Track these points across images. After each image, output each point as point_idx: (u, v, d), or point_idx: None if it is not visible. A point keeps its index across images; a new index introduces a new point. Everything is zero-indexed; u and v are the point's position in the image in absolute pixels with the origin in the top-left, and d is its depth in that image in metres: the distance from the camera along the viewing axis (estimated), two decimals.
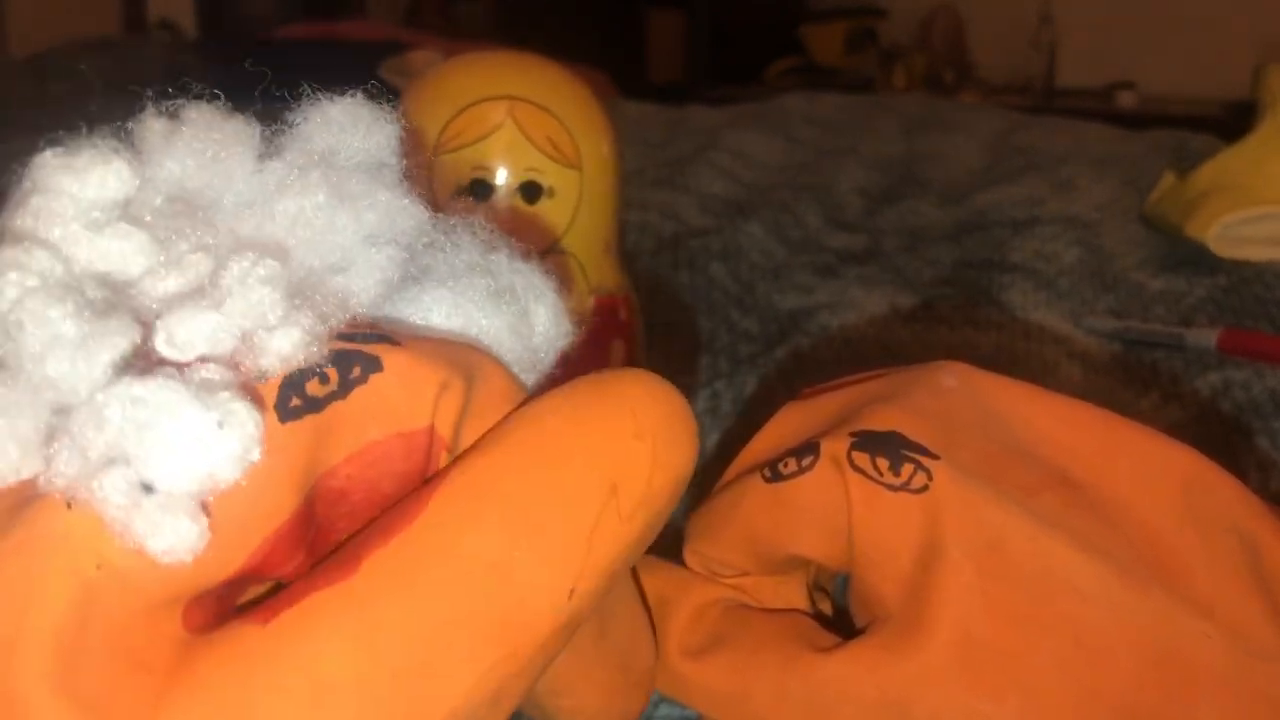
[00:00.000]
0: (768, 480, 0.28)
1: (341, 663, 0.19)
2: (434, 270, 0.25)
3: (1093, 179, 0.91)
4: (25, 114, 1.20)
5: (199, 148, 0.23)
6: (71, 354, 0.19)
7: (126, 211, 0.21)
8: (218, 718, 0.18)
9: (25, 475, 0.19)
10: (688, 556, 0.31)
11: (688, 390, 0.55)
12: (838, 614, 0.32)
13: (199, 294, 0.20)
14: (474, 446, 0.22)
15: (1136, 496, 0.26)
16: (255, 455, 0.19)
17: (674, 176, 0.94)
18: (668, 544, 0.32)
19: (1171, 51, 2.48)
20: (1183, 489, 0.26)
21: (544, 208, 0.41)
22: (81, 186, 0.21)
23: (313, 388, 0.21)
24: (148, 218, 0.21)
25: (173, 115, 0.23)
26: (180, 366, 0.20)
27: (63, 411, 0.19)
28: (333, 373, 0.21)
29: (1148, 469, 0.27)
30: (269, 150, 0.24)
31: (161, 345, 0.19)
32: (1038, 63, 2.56)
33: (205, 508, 0.19)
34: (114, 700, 0.18)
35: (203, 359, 0.20)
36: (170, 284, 0.21)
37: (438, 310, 0.24)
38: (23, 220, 0.21)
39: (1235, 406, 0.52)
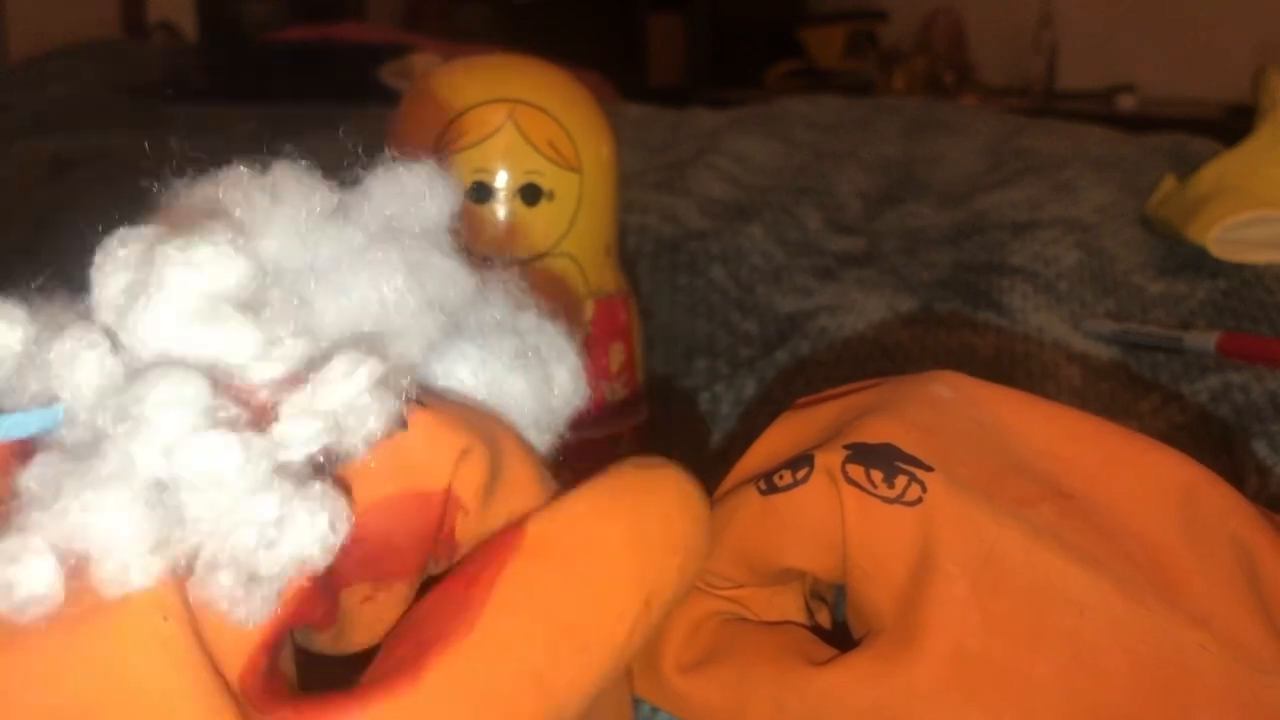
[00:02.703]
0: (762, 492, 0.28)
1: None
2: (464, 325, 0.26)
3: (1093, 182, 0.91)
4: (25, 116, 1.20)
5: (294, 222, 0.24)
6: (221, 489, 0.19)
7: (236, 299, 0.22)
8: None
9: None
10: None
11: (687, 395, 0.55)
12: (837, 626, 0.32)
13: (298, 380, 0.21)
14: (519, 543, 0.23)
15: (1133, 507, 0.26)
16: (342, 540, 0.20)
17: (674, 179, 0.94)
18: None
19: (1172, 54, 2.48)
20: (1180, 500, 0.26)
21: (544, 210, 0.41)
22: (201, 280, 0.21)
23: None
24: (251, 303, 0.22)
25: (270, 186, 0.24)
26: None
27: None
28: None
29: (1145, 480, 0.27)
30: (341, 210, 0.25)
31: (275, 448, 0.20)
32: (1038, 65, 2.56)
33: None
34: None
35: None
36: (272, 370, 0.21)
37: (464, 366, 0.25)
38: (144, 313, 0.21)
39: (1234, 410, 0.52)
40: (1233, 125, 0.88)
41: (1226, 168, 0.77)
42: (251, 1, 2.31)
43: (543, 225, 0.42)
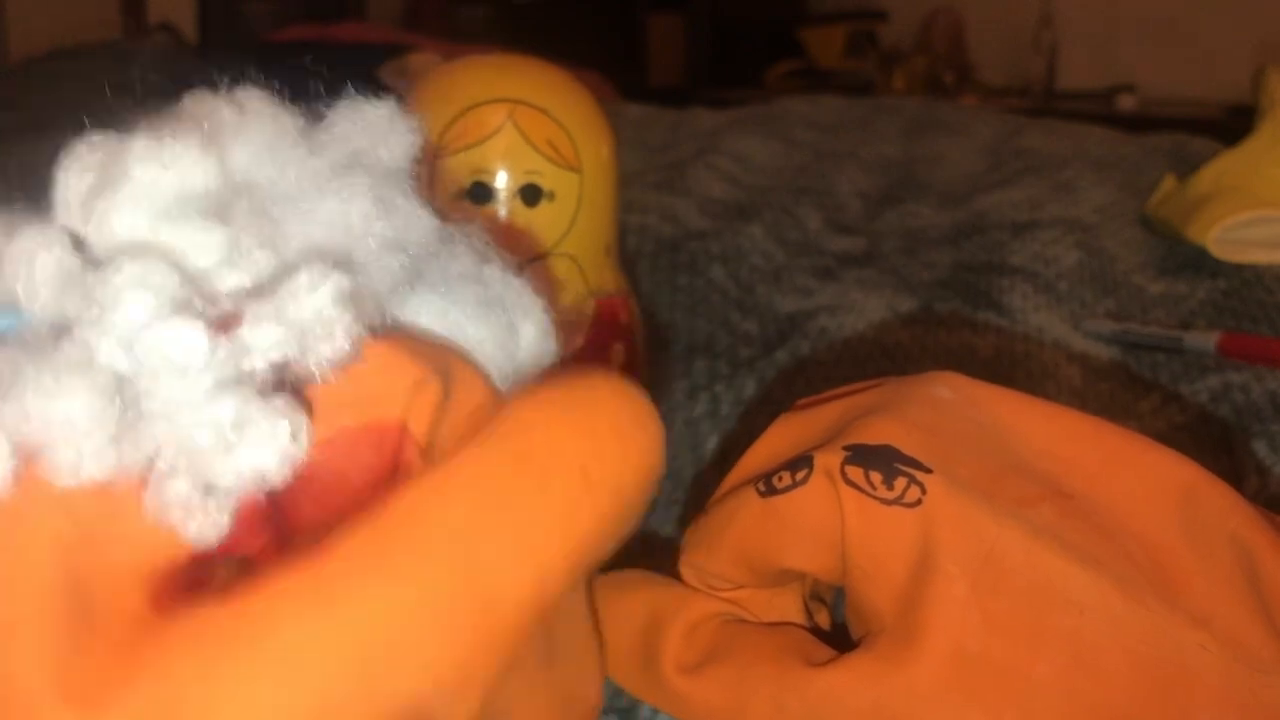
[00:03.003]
0: (762, 494, 0.28)
1: (306, 640, 0.18)
2: (426, 275, 0.25)
3: (1093, 182, 0.91)
4: (25, 117, 1.20)
5: (261, 138, 0.23)
6: (184, 382, 0.19)
7: (203, 202, 0.22)
8: (176, 695, 0.18)
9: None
10: (683, 569, 0.31)
11: (686, 393, 0.55)
12: (836, 627, 0.32)
13: (262, 292, 0.21)
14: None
15: (1133, 508, 0.26)
16: (303, 455, 0.20)
17: (674, 179, 0.94)
18: (663, 557, 0.32)
19: (1172, 54, 2.48)
20: (1180, 500, 0.26)
21: (544, 210, 0.41)
22: (170, 178, 0.21)
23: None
24: (219, 209, 0.22)
25: (238, 103, 0.24)
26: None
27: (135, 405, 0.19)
28: None
29: (1145, 480, 0.27)
30: (306, 137, 0.24)
31: (238, 353, 0.20)
32: (1038, 65, 2.56)
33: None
34: (84, 671, 0.18)
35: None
36: (237, 278, 0.21)
37: (425, 313, 0.25)
38: (111, 209, 0.21)
39: (1234, 410, 0.52)
40: (1232, 125, 0.88)
41: (1226, 168, 0.77)
42: (252, 2, 2.31)
43: (543, 225, 0.42)
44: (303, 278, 0.21)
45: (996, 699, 0.24)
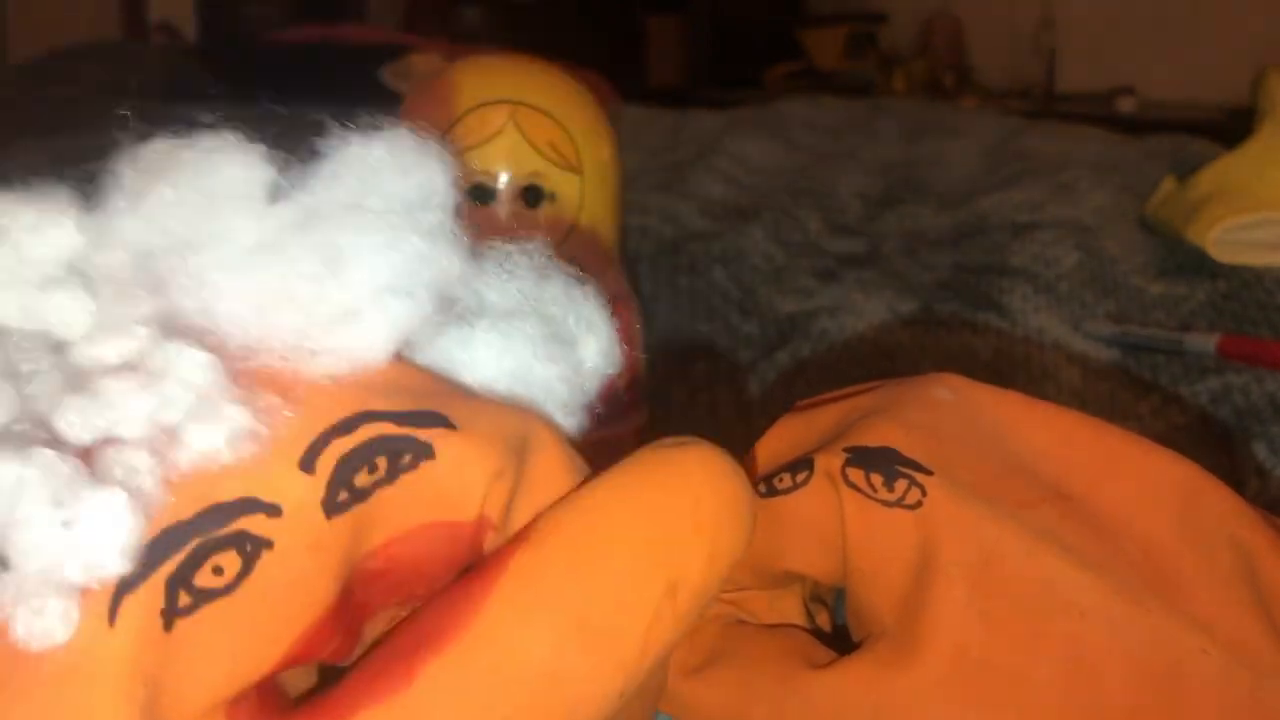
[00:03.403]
0: (762, 495, 0.28)
1: None
2: (484, 308, 0.24)
3: (1092, 184, 0.91)
4: (25, 117, 1.20)
5: (178, 199, 0.22)
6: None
7: (79, 267, 0.21)
8: None
9: None
10: None
11: (686, 395, 0.55)
12: (836, 629, 0.32)
13: (130, 368, 0.20)
14: (529, 534, 0.21)
15: (1134, 510, 0.26)
16: (112, 564, 0.18)
17: (674, 181, 0.94)
18: None
19: (1172, 56, 2.48)
20: (1180, 503, 0.26)
21: (545, 212, 0.42)
22: (31, 243, 0.20)
23: (361, 479, 0.20)
24: (104, 275, 0.21)
25: (171, 152, 0.22)
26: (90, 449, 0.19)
27: None
28: (382, 462, 0.20)
29: (1145, 483, 0.27)
30: (295, 182, 0.23)
31: (60, 424, 0.19)
32: (1038, 67, 2.56)
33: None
34: None
35: (109, 442, 0.19)
36: (104, 352, 0.20)
37: (487, 353, 0.24)
38: None
39: (1234, 411, 0.52)
40: (1232, 127, 0.88)
41: (1226, 169, 0.77)
42: (252, 2, 2.31)
43: (543, 228, 0.42)
44: (159, 354, 0.20)
45: (997, 702, 0.24)
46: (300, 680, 0.22)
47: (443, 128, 0.41)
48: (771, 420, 0.31)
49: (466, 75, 0.43)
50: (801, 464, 0.28)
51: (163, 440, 0.19)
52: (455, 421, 0.21)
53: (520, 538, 0.21)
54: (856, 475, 0.26)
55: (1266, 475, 0.46)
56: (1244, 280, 0.68)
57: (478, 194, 0.41)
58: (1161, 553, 0.26)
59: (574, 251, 0.42)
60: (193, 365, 0.20)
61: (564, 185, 0.42)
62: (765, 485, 0.28)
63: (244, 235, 0.22)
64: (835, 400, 0.30)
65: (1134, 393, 0.55)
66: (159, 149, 0.22)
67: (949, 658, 0.25)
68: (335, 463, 0.20)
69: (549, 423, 0.23)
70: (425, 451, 0.21)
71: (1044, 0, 2.56)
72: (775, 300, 0.69)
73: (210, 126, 0.23)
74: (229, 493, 0.19)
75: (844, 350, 0.61)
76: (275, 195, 0.22)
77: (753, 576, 0.29)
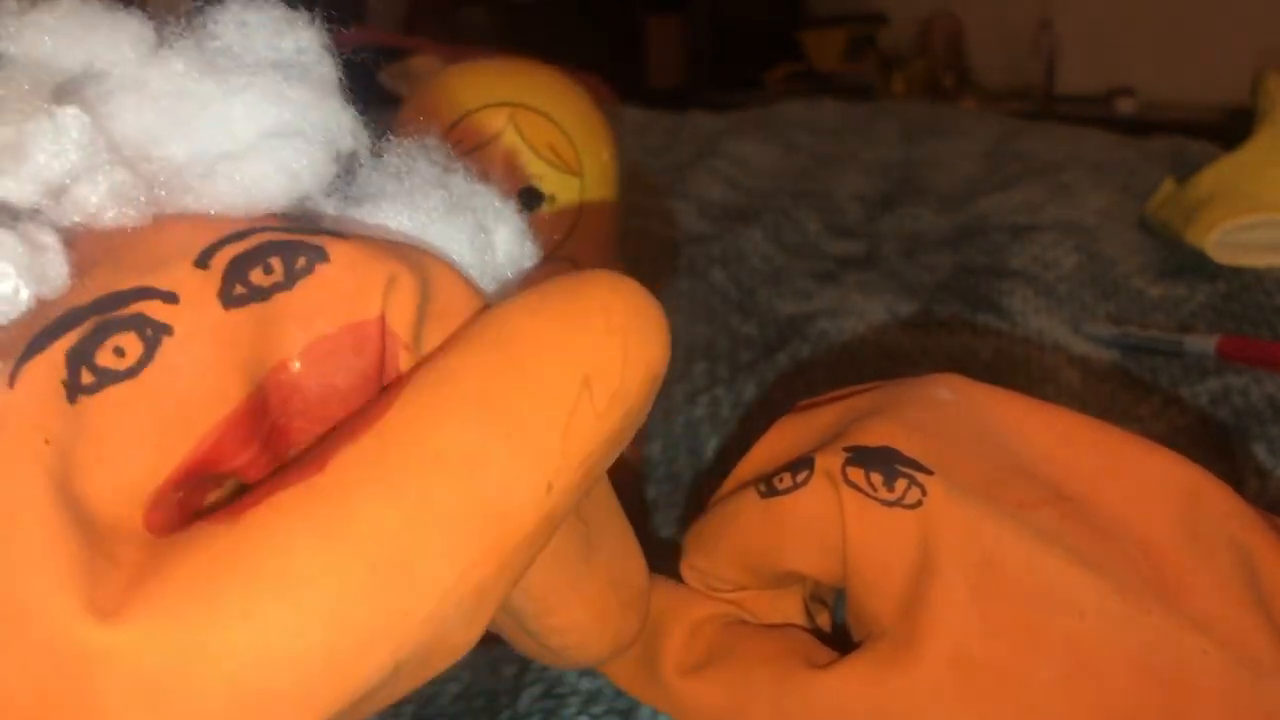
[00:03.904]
0: (762, 495, 0.28)
1: (313, 557, 0.18)
2: (388, 189, 0.24)
3: (1092, 185, 0.91)
4: None
5: (66, 30, 0.22)
6: None
7: None
8: (187, 610, 0.17)
9: None
10: (684, 571, 0.31)
11: (686, 396, 0.55)
12: (836, 629, 0.32)
13: (15, 142, 0.20)
14: (440, 347, 0.21)
15: (1134, 511, 0.26)
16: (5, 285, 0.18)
17: (674, 182, 0.94)
18: (664, 558, 0.32)
19: (1171, 58, 2.48)
20: (1181, 503, 0.26)
21: (544, 214, 0.42)
22: None
23: (257, 277, 0.20)
24: None
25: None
26: None
27: None
28: (277, 263, 0.21)
29: (1145, 483, 0.27)
30: (172, 41, 0.23)
31: None
32: (1037, 69, 2.56)
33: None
34: (95, 584, 0.17)
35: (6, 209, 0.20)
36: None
37: (386, 210, 0.24)
38: None
39: (1234, 413, 0.52)
40: (1232, 128, 0.88)
41: (1226, 171, 0.77)
42: None
43: (543, 229, 0.42)
44: (39, 117, 0.20)
45: (996, 703, 0.24)
46: None
47: (441, 130, 0.41)
48: (771, 421, 0.31)
49: (465, 77, 0.43)
50: (801, 464, 0.28)
51: (51, 206, 0.20)
52: (345, 234, 0.21)
53: (432, 352, 0.21)
54: (856, 475, 0.26)
55: (1266, 476, 0.46)
56: (1244, 282, 0.68)
57: None
58: (1162, 553, 0.26)
59: (573, 252, 0.42)
60: (67, 119, 0.20)
61: (563, 188, 0.42)
62: (765, 485, 0.28)
63: (132, 66, 0.22)
64: (835, 400, 0.30)
65: (1134, 394, 0.55)
66: None
67: (949, 658, 0.25)
68: (229, 259, 0.20)
69: (446, 259, 0.23)
70: (318, 254, 0.21)
71: (1043, 1, 2.56)
72: (775, 302, 0.69)
73: None
74: (125, 283, 0.20)
75: (844, 352, 0.61)
76: (155, 45, 0.23)
77: (752, 576, 0.29)
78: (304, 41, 0.24)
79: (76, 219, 0.20)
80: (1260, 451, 0.48)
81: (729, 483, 0.31)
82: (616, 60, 2.36)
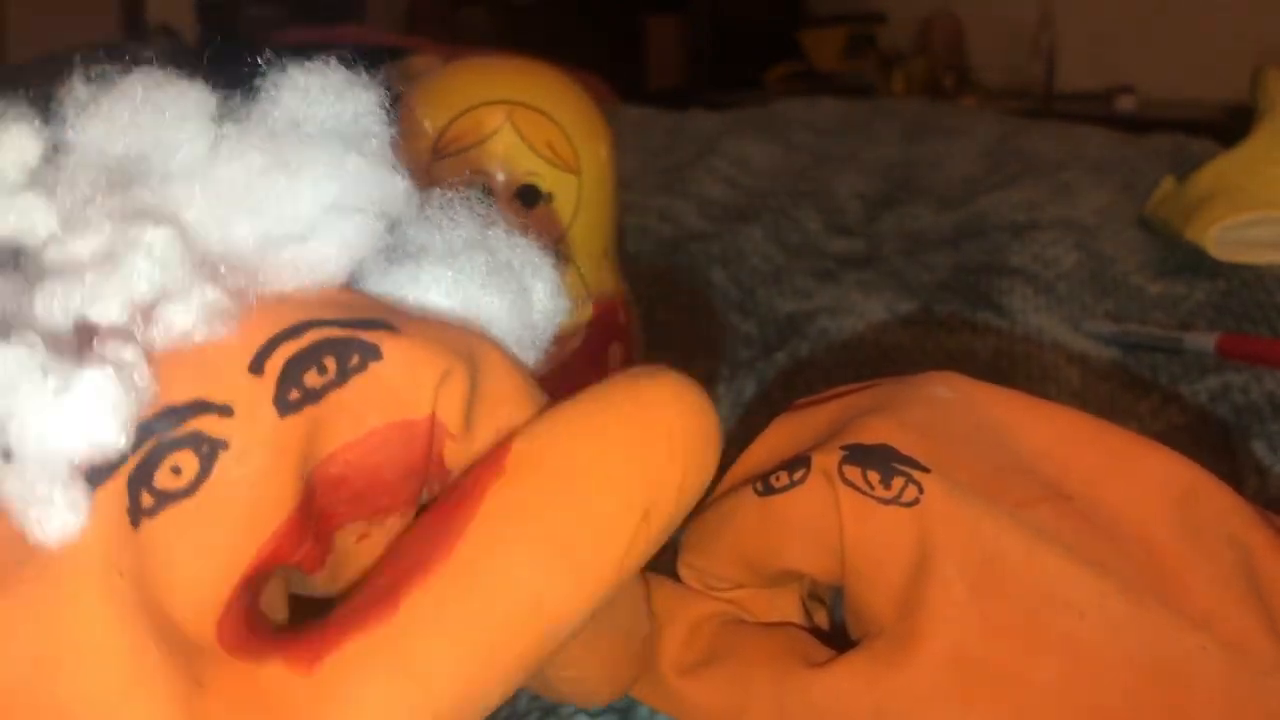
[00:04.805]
0: (759, 493, 0.28)
1: (390, 714, 0.19)
2: (431, 248, 0.24)
3: (1092, 183, 0.91)
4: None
5: (130, 114, 0.22)
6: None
7: (38, 177, 0.21)
8: None
9: None
10: (682, 569, 0.31)
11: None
12: (835, 627, 0.32)
13: (103, 260, 0.20)
14: (504, 462, 0.22)
15: (1133, 509, 0.26)
16: (108, 431, 0.18)
17: (674, 182, 0.94)
18: (662, 557, 0.32)
19: (1171, 55, 2.48)
20: (1179, 501, 0.26)
21: (542, 212, 0.41)
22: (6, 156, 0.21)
23: (311, 379, 0.20)
24: (62, 185, 0.21)
25: (101, 81, 0.23)
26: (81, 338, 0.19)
27: None
28: (331, 363, 0.21)
29: (1144, 481, 0.27)
30: (234, 110, 0.23)
31: (37, 308, 0.19)
32: (1037, 67, 2.56)
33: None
34: (189, 705, 0.18)
35: (90, 330, 0.19)
36: (74, 248, 0.20)
37: (436, 289, 0.24)
38: None
39: (1234, 410, 0.52)
40: (1232, 126, 0.88)
41: (1225, 168, 0.77)
42: (251, 4, 2.31)
43: (541, 228, 0.42)
44: (123, 235, 0.20)
45: (995, 702, 0.24)
46: (275, 612, 0.23)
47: (439, 127, 0.41)
48: (770, 420, 0.31)
49: (463, 75, 0.43)
50: (799, 462, 0.28)
51: (140, 325, 0.20)
52: (399, 327, 0.22)
53: (494, 464, 0.22)
54: (853, 473, 0.26)
55: (1266, 473, 0.46)
56: (1243, 279, 0.68)
57: None
58: (1161, 551, 0.26)
59: (572, 251, 0.42)
60: (159, 240, 0.20)
61: (561, 186, 0.42)
62: (762, 483, 0.28)
63: (198, 146, 0.22)
64: (833, 399, 0.30)
65: (1133, 392, 0.55)
66: (106, 72, 0.23)
67: (947, 656, 0.25)
68: (283, 363, 0.20)
69: (494, 341, 0.24)
70: (372, 352, 0.21)
71: None
72: (774, 301, 0.69)
73: (150, 61, 0.23)
74: (180, 396, 0.20)
75: (843, 350, 0.61)
76: (219, 119, 0.23)
77: (750, 575, 0.29)
78: (363, 106, 0.24)
79: (167, 340, 0.20)
80: (1260, 449, 0.47)
81: (726, 481, 0.31)
82: (616, 60, 2.36)
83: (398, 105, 0.26)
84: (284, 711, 0.19)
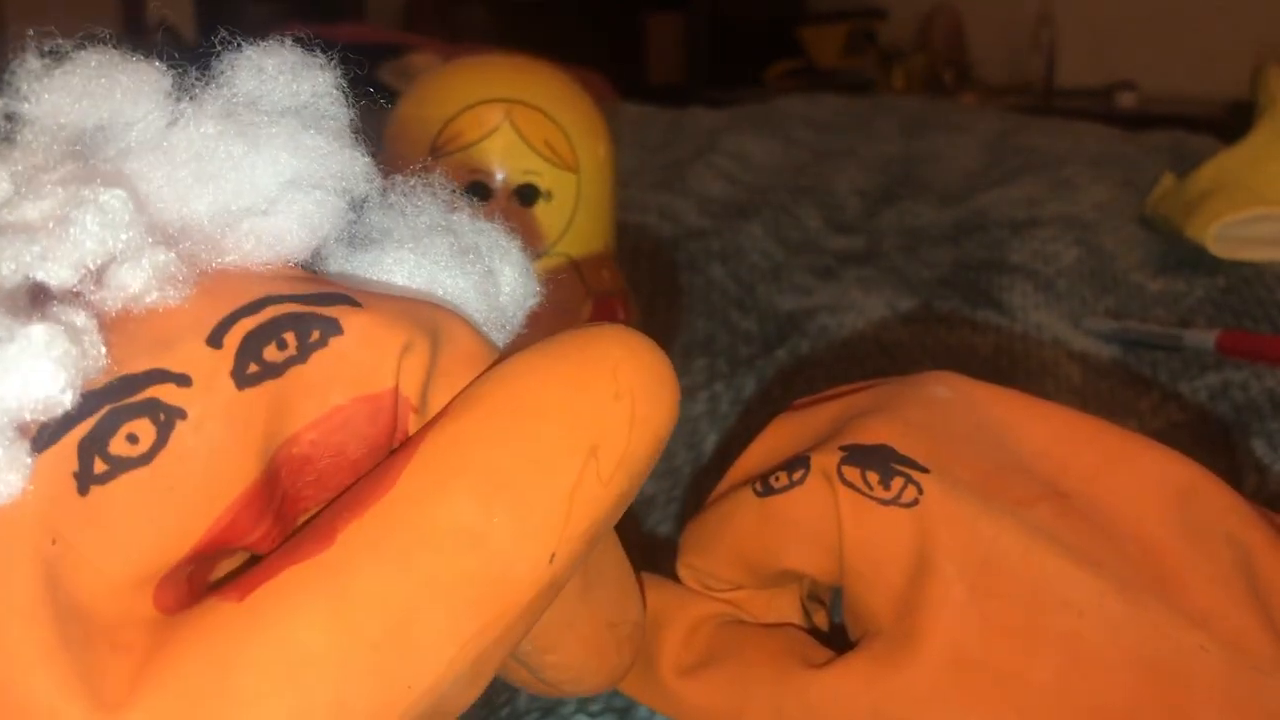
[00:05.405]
0: (759, 494, 0.28)
1: (318, 636, 0.18)
2: (394, 232, 0.24)
3: (1092, 180, 0.91)
4: None
5: (85, 86, 0.22)
6: None
7: None
8: (195, 695, 0.18)
9: None
10: (681, 570, 0.31)
11: (686, 392, 0.55)
12: (834, 628, 0.32)
13: (55, 222, 0.20)
14: (447, 409, 0.21)
15: (1131, 508, 0.26)
16: (51, 386, 0.18)
17: (673, 178, 0.94)
18: (661, 557, 0.32)
19: (1171, 52, 2.48)
20: (1178, 500, 0.26)
21: (541, 210, 0.41)
22: None
23: (270, 353, 0.20)
24: (17, 152, 0.21)
25: (56, 56, 0.23)
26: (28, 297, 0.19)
27: None
28: (291, 337, 0.21)
29: (1143, 480, 0.27)
30: (190, 90, 0.23)
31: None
32: (1037, 63, 2.56)
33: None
34: (99, 679, 0.18)
35: (42, 292, 0.19)
36: (25, 211, 0.20)
37: (400, 271, 0.24)
38: None
39: (1233, 407, 0.52)
40: (1232, 123, 0.88)
41: (1225, 165, 0.77)
42: (251, 2, 2.31)
43: (540, 226, 0.42)
44: (73, 196, 0.20)
45: (994, 701, 0.24)
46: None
47: (438, 126, 0.41)
48: (770, 417, 0.31)
49: (462, 73, 0.43)
50: (798, 462, 0.28)
51: (92, 287, 0.20)
52: (360, 301, 0.21)
53: (438, 414, 0.21)
54: (852, 473, 0.26)
55: (1265, 471, 0.46)
56: (1243, 276, 0.68)
57: (473, 192, 0.41)
58: (1160, 550, 0.26)
59: (570, 250, 0.42)
60: (111, 201, 0.20)
61: (560, 184, 0.42)
62: (761, 484, 0.28)
63: (155, 121, 0.22)
64: (832, 398, 0.30)
65: (1133, 389, 0.55)
66: (60, 46, 0.23)
67: (946, 656, 0.25)
68: (242, 337, 0.20)
69: (459, 314, 0.24)
70: (332, 327, 0.21)
71: None
72: (774, 298, 0.69)
73: (105, 40, 0.23)
74: (137, 367, 0.20)
75: (843, 348, 0.61)
76: (175, 96, 0.23)
77: (750, 575, 0.29)
78: (320, 85, 0.24)
79: (119, 302, 0.20)
80: (1259, 446, 0.47)
81: (725, 481, 0.31)
82: (617, 58, 2.36)
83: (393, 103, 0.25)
84: (212, 632, 0.18)
